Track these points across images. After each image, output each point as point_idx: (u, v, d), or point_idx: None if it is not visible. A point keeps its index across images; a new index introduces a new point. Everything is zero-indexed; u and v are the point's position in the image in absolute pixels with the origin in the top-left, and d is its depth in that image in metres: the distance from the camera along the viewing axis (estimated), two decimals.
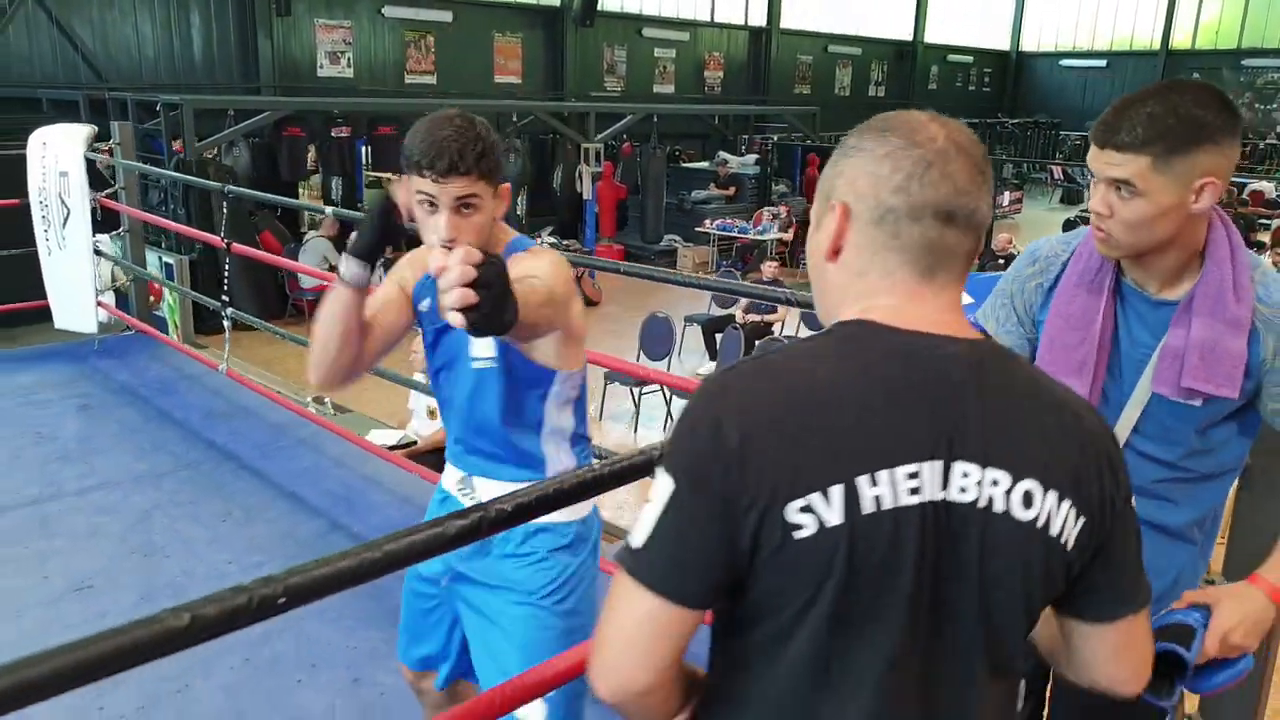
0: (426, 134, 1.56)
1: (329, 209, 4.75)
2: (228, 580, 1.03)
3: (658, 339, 7.93)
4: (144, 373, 5.51)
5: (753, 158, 18.54)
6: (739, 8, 22.78)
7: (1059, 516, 0.92)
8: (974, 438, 0.90)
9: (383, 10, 16.21)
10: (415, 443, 5.44)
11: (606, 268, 3.60)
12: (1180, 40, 29.50)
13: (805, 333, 9.27)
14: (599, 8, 19.10)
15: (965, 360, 0.93)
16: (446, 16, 17.02)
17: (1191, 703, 1.83)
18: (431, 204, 1.57)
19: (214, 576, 3.29)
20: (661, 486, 0.90)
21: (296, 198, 11.85)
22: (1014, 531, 0.92)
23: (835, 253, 0.97)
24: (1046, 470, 0.92)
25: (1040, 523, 0.92)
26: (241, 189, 6.70)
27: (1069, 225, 15.34)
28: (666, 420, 7.78)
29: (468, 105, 11.31)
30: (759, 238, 14.21)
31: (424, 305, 1.76)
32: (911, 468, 0.88)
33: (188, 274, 9.87)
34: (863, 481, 0.87)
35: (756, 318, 8.91)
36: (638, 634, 0.91)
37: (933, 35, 28.90)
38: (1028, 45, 32.53)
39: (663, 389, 7.63)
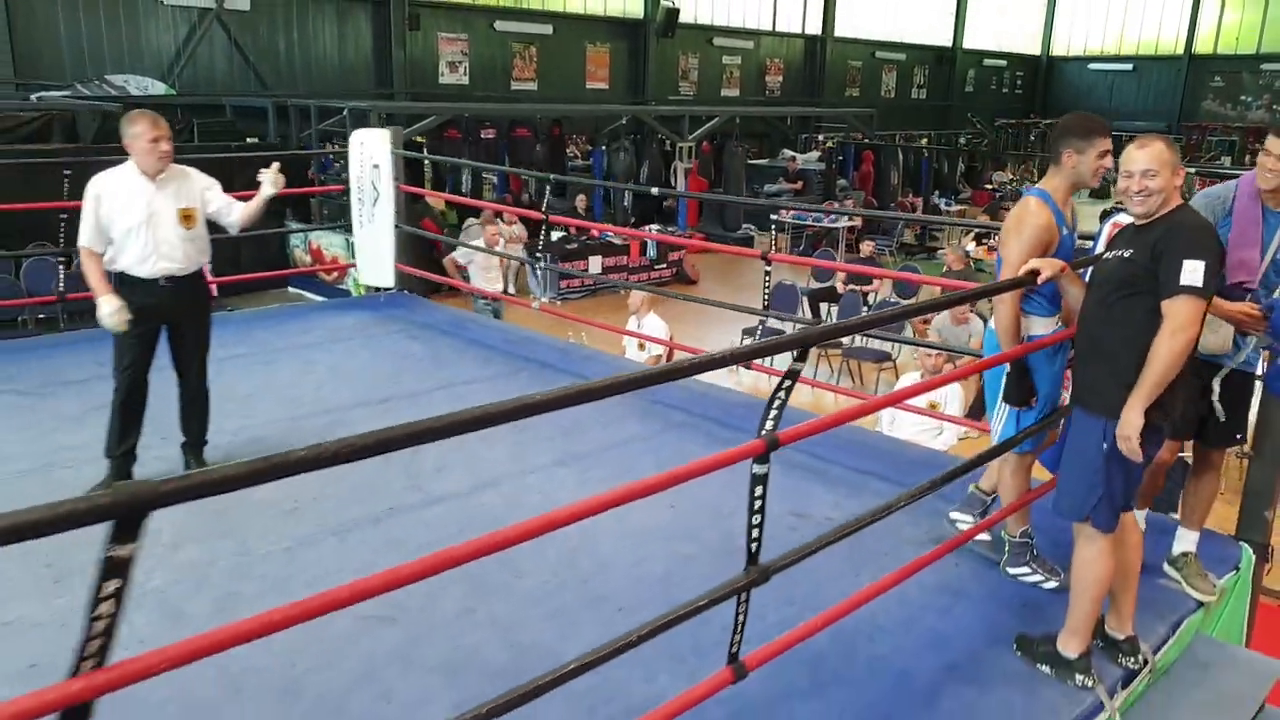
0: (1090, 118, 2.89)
1: (654, 189, 6.25)
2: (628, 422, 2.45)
3: (785, 304, 9.38)
4: (429, 316, 7.03)
5: (815, 155, 19.92)
6: (797, 18, 24.14)
7: None
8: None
9: (494, 24, 17.75)
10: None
11: None
12: (1203, 45, 30.46)
13: (894, 299, 10.69)
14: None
15: None
16: (547, 29, 18.54)
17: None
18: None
19: (611, 421, 4.80)
20: (1199, 264, 2.33)
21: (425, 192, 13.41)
22: None
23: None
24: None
25: None
26: (576, 178, 8.10)
27: (1105, 215, 16.53)
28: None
29: (568, 110, 13.01)
30: (833, 226, 15.61)
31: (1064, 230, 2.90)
32: None
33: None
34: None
35: (856, 288, 10.35)
36: (1200, 316, 2.38)
37: (970, 41, 30.08)
38: (1058, 49, 33.58)
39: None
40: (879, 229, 17.50)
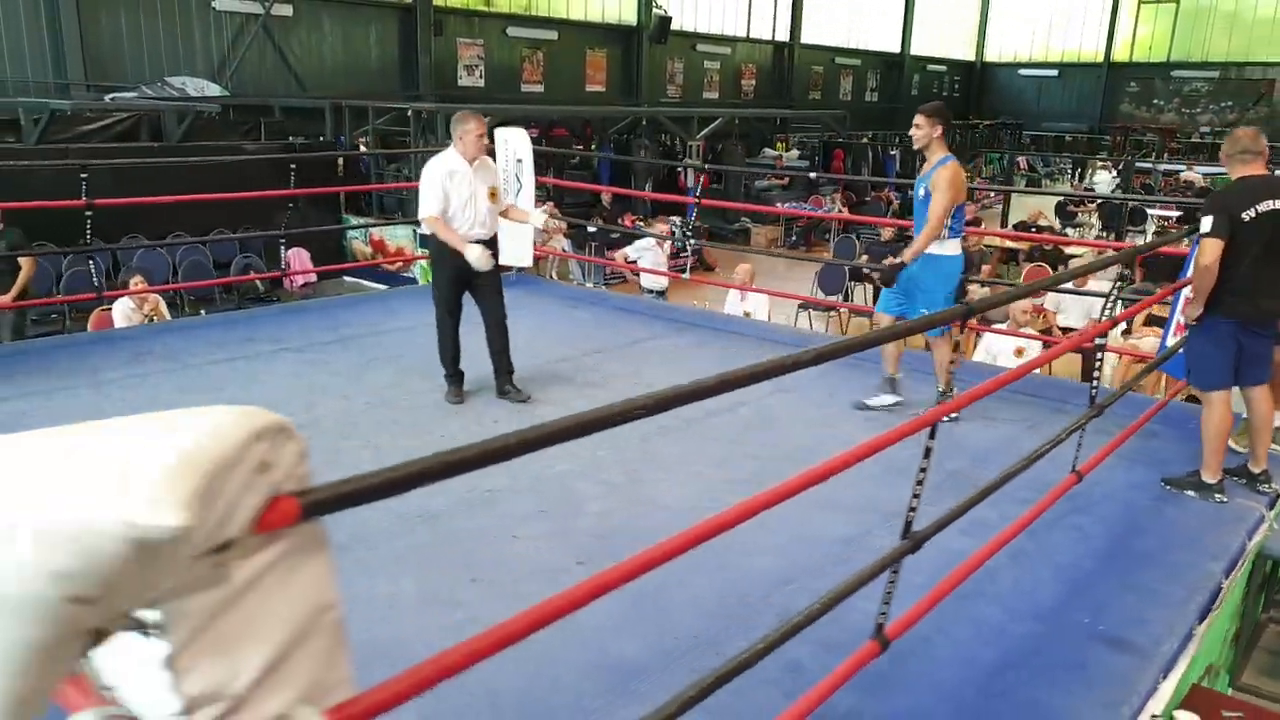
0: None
1: (813, 173, 7.24)
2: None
3: (832, 281, 10.53)
4: (563, 291, 7.96)
5: (796, 153, 21.19)
6: (767, 26, 25.41)
7: None
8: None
9: (507, 30, 18.52)
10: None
11: None
12: (1120, 54, 32.76)
13: None
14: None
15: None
16: (552, 35, 19.37)
17: None
18: None
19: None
20: (1209, 218, 3.48)
21: None
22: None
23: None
24: None
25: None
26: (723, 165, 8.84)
27: (1060, 208, 18.06)
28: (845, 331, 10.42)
29: (570, 111, 13.90)
30: (826, 215, 16.87)
31: (921, 192, 4.39)
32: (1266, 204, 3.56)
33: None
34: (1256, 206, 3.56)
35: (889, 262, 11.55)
36: (1212, 251, 3.48)
37: (915, 48, 31.80)
38: (990, 56, 35.61)
39: (838, 313, 10.27)
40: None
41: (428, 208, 4.58)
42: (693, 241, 6.74)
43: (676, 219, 12.77)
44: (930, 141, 4.31)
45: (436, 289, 4.78)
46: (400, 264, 12.95)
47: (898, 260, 4.55)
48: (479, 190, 4.66)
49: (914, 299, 4.55)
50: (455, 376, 4.82)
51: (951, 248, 4.44)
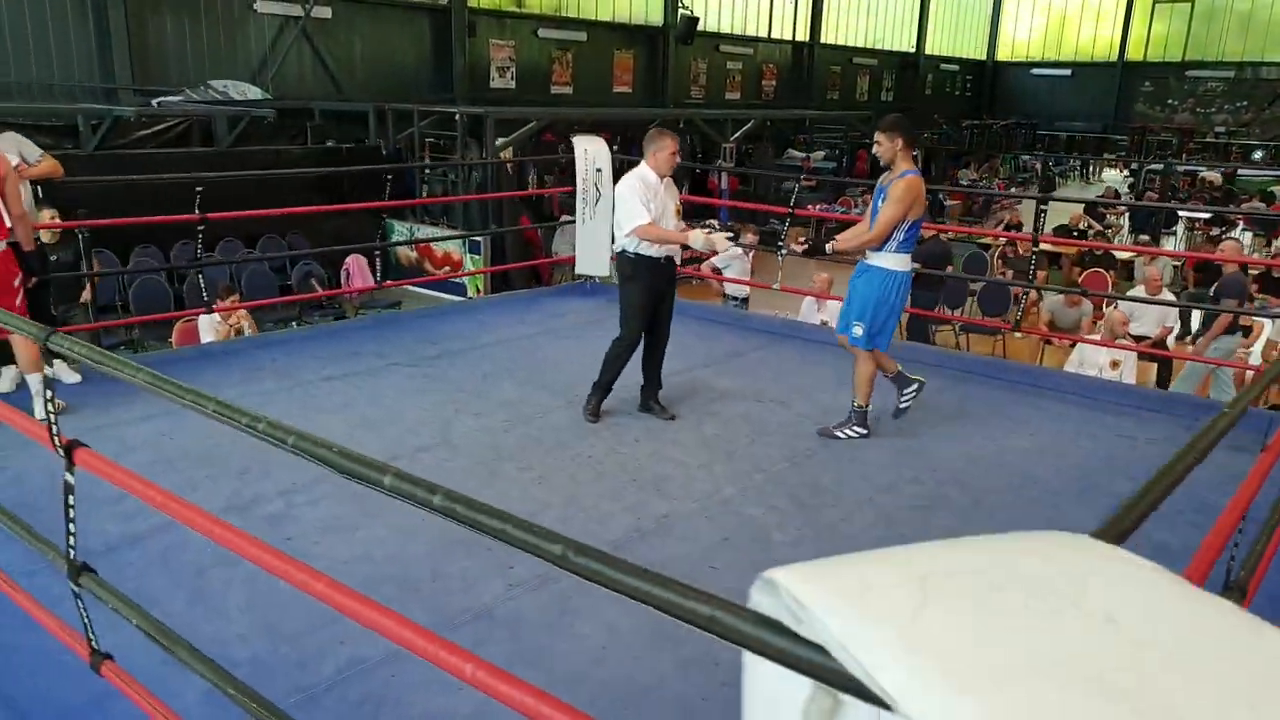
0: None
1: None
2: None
3: None
4: None
5: (821, 153, 21.11)
6: (788, 26, 25.32)
7: None
8: None
9: (537, 31, 18.41)
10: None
11: None
12: (1133, 53, 32.70)
13: None
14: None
15: None
16: (582, 36, 19.26)
17: None
18: None
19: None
20: None
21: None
22: None
23: None
24: None
25: None
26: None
27: (1090, 207, 17.99)
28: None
29: (618, 114, 13.71)
30: (856, 219, 16.79)
31: (880, 200, 4.27)
32: None
33: (489, 248, 12.25)
34: None
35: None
36: None
37: (928, 47, 31.71)
38: (1002, 55, 35.53)
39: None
40: None
41: (639, 217, 4.47)
42: (783, 252, 6.66)
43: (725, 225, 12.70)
44: (894, 156, 4.17)
45: (629, 305, 4.67)
46: (450, 271, 12.87)
47: (829, 244, 4.63)
48: (669, 206, 4.62)
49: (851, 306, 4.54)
50: (606, 388, 4.75)
51: (895, 261, 4.31)
